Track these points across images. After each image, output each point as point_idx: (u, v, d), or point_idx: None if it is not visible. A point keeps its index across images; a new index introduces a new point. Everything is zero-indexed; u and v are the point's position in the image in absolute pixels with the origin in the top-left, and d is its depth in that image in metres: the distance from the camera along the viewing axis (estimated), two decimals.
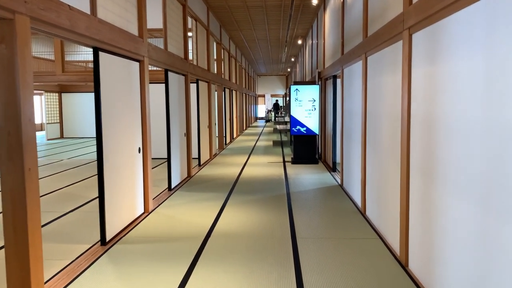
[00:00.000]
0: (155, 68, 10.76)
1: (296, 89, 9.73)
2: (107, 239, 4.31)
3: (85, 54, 14.88)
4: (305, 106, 9.73)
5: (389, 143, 4.23)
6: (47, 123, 16.86)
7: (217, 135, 13.02)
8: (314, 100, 9.71)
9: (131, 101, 5.03)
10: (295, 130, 9.78)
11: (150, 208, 5.57)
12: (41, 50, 15.30)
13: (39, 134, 19.16)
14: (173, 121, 7.07)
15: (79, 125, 17.76)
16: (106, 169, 4.26)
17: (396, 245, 3.96)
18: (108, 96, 4.36)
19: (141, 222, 5.06)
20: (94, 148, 13.62)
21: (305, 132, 9.75)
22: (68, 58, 14.89)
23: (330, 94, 9.00)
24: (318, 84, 10.17)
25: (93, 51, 4.15)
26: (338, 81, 8.59)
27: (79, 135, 17.86)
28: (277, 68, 29.51)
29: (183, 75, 7.75)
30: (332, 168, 8.66)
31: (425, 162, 3.20)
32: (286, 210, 5.59)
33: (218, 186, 7.20)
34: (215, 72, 12.33)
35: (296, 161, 9.77)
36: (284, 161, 10.17)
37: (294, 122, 9.76)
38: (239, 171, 8.79)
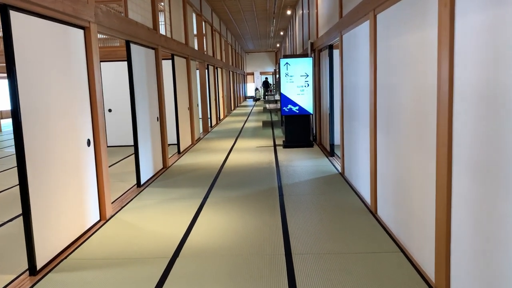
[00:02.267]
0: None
1: (286, 63, 8.56)
2: (39, 266, 3.21)
3: None
4: (297, 82, 8.57)
5: (414, 127, 3.13)
6: None
7: (200, 117, 11.86)
8: (307, 75, 8.55)
9: (73, 81, 3.86)
10: (286, 109, 8.65)
11: (108, 214, 4.46)
12: None
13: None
14: (141, 104, 5.90)
15: None
16: (31, 173, 3.12)
17: (428, 267, 2.91)
18: (31, 74, 3.19)
19: (92, 236, 3.96)
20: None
21: (297, 111, 8.63)
22: None
23: (326, 68, 7.85)
24: (311, 56, 9.00)
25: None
26: (335, 52, 7.43)
27: None
28: (266, 44, 28.14)
29: (152, 48, 6.54)
30: (330, 152, 7.58)
31: (482, 154, 2.12)
32: (278, 210, 4.52)
33: (198, 179, 6.09)
34: (196, 47, 11.08)
35: (288, 144, 8.67)
36: (274, 145, 9.07)
37: (285, 100, 8.62)
38: (223, 158, 7.68)
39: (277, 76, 22.15)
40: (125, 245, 3.70)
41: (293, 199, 4.92)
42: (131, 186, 5.83)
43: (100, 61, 9.31)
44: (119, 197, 5.25)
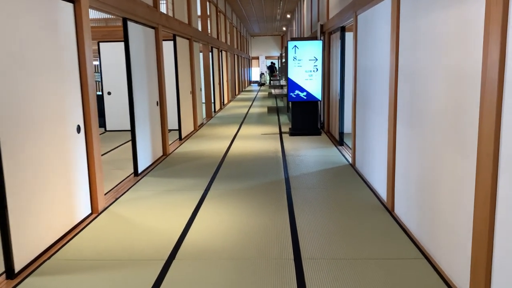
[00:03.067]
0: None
1: (295, 46, 8.10)
2: (17, 269, 2.86)
3: None
4: (305, 67, 8.12)
5: (446, 119, 2.72)
6: None
7: (203, 102, 11.45)
8: (316, 59, 8.10)
9: (60, 61, 3.46)
10: (293, 95, 8.22)
11: (101, 206, 4.10)
12: None
13: None
14: (139, 88, 5.50)
15: None
16: (7, 164, 2.75)
17: (460, 280, 2.53)
18: (6, 51, 2.79)
19: (82, 232, 3.60)
20: None
21: (305, 97, 8.20)
22: None
23: (337, 51, 7.39)
24: (320, 39, 8.52)
25: None
26: (348, 34, 6.97)
27: None
28: (272, 27, 27.50)
29: (152, 27, 6.10)
30: (339, 141, 7.18)
31: None
32: (286, 206, 4.14)
33: (199, 168, 5.72)
34: (199, 29, 10.60)
35: (294, 132, 8.27)
36: (280, 132, 8.67)
37: (293, 86, 8.19)
38: (227, 146, 7.30)
39: (283, 60, 21.62)
40: (116, 243, 3.34)
41: (301, 193, 4.54)
42: (128, 175, 5.46)
43: (100, 42, 8.90)
44: (114, 187, 4.89)
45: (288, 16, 21.11)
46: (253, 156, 6.44)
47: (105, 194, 4.57)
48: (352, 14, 5.73)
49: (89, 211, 3.97)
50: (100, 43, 8.90)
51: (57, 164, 3.37)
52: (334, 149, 6.81)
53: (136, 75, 5.38)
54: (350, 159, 6.02)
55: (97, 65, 9.35)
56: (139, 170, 5.46)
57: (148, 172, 5.61)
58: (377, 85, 4.52)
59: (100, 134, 8.85)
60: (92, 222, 3.81)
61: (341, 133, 7.18)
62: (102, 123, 9.54)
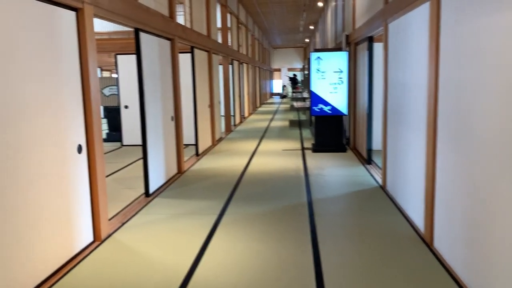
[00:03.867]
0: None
1: (318, 57, 7.67)
2: None
3: None
4: (330, 79, 7.68)
5: (507, 143, 2.23)
6: None
7: (223, 115, 11.11)
8: (341, 71, 7.65)
9: (60, 74, 3.12)
10: (316, 109, 7.77)
11: (104, 233, 3.72)
12: None
13: None
14: (152, 102, 5.16)
15: None
16: None
17: None
18: None
19: (80, 264, 3.22)
20: None
21: (329, 111, 7.74)
22: None
23: (364, 63, 6.93)
24: (346, 50, 8.08)
25: None
26: (376, 45, 6.52)
27: None
28: (294, 39, 27.17)
29: (167, 39, 5.79)
30: (366, 159, 6.67)
31: None
32: (308, 236, 3.68)
33: (215, 188, 5.31)
34: (219, 40, 10.31)
35: (318, 148, 7.80)
36: (302, 148, 8.21)
37: (316, 99, 7.74)
38: (245, 163, 6.89)
39: (306, 72, 21.22)
40: (117, 278, 2.95)
41: (326, 220, 4.07)
42: (139, 195, 5.10)
43: (117, 54, 8.68)
44: (121, 210, 4.52)
45: (311, 27, 20.75)
46: (273, 174, 6.00)
47: (111, 218, 4.21)
48: (382, 22, 5.28)
49: (91, 239, 3.60)
50: (118, 56, 8.68)
51: (53, 189, 3.01)
52: (361, 168, 6.31)
53: (149, 88, 5.05)
54: (380, 180, 5.51)
55: (115, 77, 9.13)
56: (151, 190, 5.09)
57: (161, 192, 5.23)
58: (413, 100, 4.04)
59: (116, 149, 8.58)
60: (93, 252, 3.43)
61: (369, 150, 6.67)
62: (118, 137, 9.30)
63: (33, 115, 2.79)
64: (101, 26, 13.61)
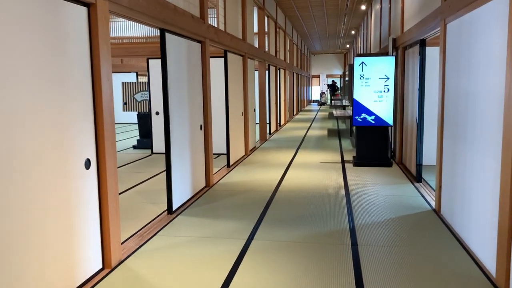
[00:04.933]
0: None
1: (362, 62, 7.02)
2: None
3: None
4: (374, 87, 7.01)
5: None
6: None
7: (257, 122, 10.63)
8: (387, 78, 6.97)
9: (62, 76, 2.70)
10: (359, 119, 7.11)
11: (115, 259, 3.27)
12: None
13: None
14: (178, 109, 4.72)
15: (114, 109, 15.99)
16: None
17: None
18: None
19: None
20: (124, 136, 11.71)
21: (373, 122, 7.06)
22: None
23: (414, 69, 6.23)
24: (392, 55, 7.39)
25: None
26: (429, 49, 5.83)
27: (117, 120, 16.12)
28: (334, 45, 26.40)
29: (197, 41, 5.35)
30: (416, 176, 5.95)
31: None
32: (351, 274, 3.08)
33: (245, 206, 4.79)
34: (256, 45, 9.83)
35: (360, 162, 7.13)
36: (342, 161, 7.56)
37: (358, 108, 7.09)
38: (279, 176, 6.33)
39: (346, 79, 20.44)
40: None
41: (372, 254, 3.45)
42: (161, 212, 4.65)
43: (149, 58, 8.36)
44: (139, 230, 4.07)
45: (353, 32, 19.97)
46: (310, 192, 5.41)
47: (125, 240, 3.76)
48: (438, 23, 4.61)
49: (100, 266, 3.15)
50: (150, 60, 8.36)
51: (54, 210, 2.58)
52: (410, 187, 5.61)
53: (174, 94, 4.61)
54: (433, 203, 4.81)
55: (146, 82, 8.84)
56: (174, 207, 4.63)
57: (185, 208, 4.76)
58: (479, 112, 3.37)
59: (146, 157, 8.24)
60: (100, 283, 2.98)
61: (419, 166, 5.95)
62: (149, 144, 8.99)
63: (30, 124, 2.37)
64: (137, 30, 13.50)
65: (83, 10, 2.92)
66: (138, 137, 9.64)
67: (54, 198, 2.61)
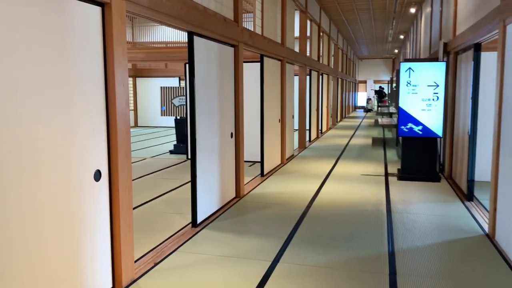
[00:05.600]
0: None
1: (409, 68, 6.51)
2: None
3: None
4: (422, 94, 6.47)
5: None
6: None
7: (296, 128, 10.26)
8: (437, 85, 6.41)
9: (70, 80, 2.50)
10: (405, 129, 6.59)
11: (127, 279, 3.03)
12: None
13: None
14: (205, 115, 4.47)
15: (153, 113, 16.19)
16: None
17: None
18: None
19: None
20: (163, 140, 11.72)
21: (420, 132, 6.52)
22: None
23: (467, 76, 5.66)
24: (443, 61, 6.82)
25: None
26: (485, 54, 5.26)
27: (152, 124, 16.31)
28: (382, 50, 25.51)
29: (230, 45, 5.09)
30: (467, 194, 5.37)
31: None
32: None
33: (275, 221, 4.45)
34: (296, 49, 9.48)
35: (405, 175, 6.60)
36: (386, 174, 7.04)
37: (405, 117, 6.57)
38: (316, 189, 5.94)
39: (394, 85, 19.63)
40: None
41: (413, 286, 3.01)
42: (186, 224, 4.40)
43: (186, 63, 8.22)
44: (159, 245, 3.84)
45: (401, 36, 19.14)
46: (347, 208, 4.99)
47: (142, 257, 3.54)
48: (497, 24, 4.09)
49: (109, 286, 2.93)
50: (187, 64, 8.21)
51: (58, 226, 2.37)
52: (459, 206, 5.05)
53: (202, 100, 4.37)
54: (486, 226, 4.27)
55: (183, 87, 8.72)
56: (199, 219, 4.37)
57: (211, 221, 4.49)
58: None
59: (181, 163, 8.09)
60: None
61: (470, 182, 5.37)
62: (185, 149, 8.86)
63: (32, 130, 2.17)
64: (178, 35, 13.52)
65: (96, 10, 2.72)
66: (175, 142, 9.55)
67: (57, 213, 2.40)
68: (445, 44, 7.05)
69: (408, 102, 6.53)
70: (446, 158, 6.86)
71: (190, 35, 4.09)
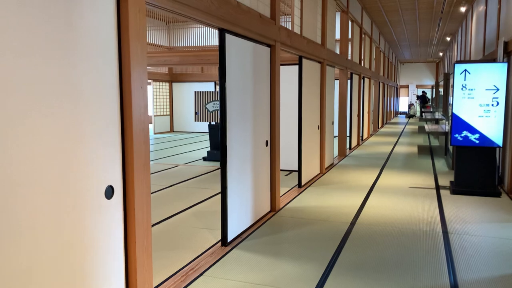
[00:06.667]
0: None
1: (465, 70, 5.85)
2: None
3: None
4: (480, 99, 5.79)
5: None
6: (154, 116, 15.41)
7: (336, 135, 9.69)
8: (497, 89, 5.72)
9: (79, 84, 2.13)
10: (459, 137, 5.92)
11: None
12: None
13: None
14: (238, 122, 4.05)
15: (188, 119, 16.03)
16: None
17: None
18: None
19: None
20: (197, 146, 11.46)
21: (477, 141, 5.83)
22: None
23: None
24: (504, 61, 6.11)
25: None
26: None
27: (188, 130, 16.13)
28: (425, 53, 24.38)
29: (266, 45, 4.66)
30: None
31: None
32: None
33: (314, 242, 3.96)
34: (337, 51, 8.94)
35: (459, 189, 5.92)
36: (437, 186, 6.37)
37: (459, 124, 5.91)
38: (359, 203, 5.38)
39: (440, 90, 18.61)
40: None
41: None
42: (215, 242, 3.98)
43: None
44: (185, 266, 3.43)
45: (448, 38, 18.11)
46: (397, 227, 4.42)
47: (166, 280, 3.13)
48: None
49: None
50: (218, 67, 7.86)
51: (59, 257, 2.00)
52: None
53: (234, 106, 3.95)
54: None
55: (218, 92, 8.37)
56: (229, 238, 3.94)
57: (243, 239, 4.05)
58: None
59: (214, 170, 7.72)
60: None
61: None
62: (218, 157, 8.50)
63: (23, 142, 1.81)
64: (215, 39, 13.25)
65: (111, 2, 2.35)
66: (209, 149, 9.22)
67: (58, 240, 2.03)
68: (506, 43, 6.32)
69: (463, 107, 5.86)
70: (506, 170, 6.12)
71: (221, 33, 3.69)
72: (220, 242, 3.93)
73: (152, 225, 4.48)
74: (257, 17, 4.26)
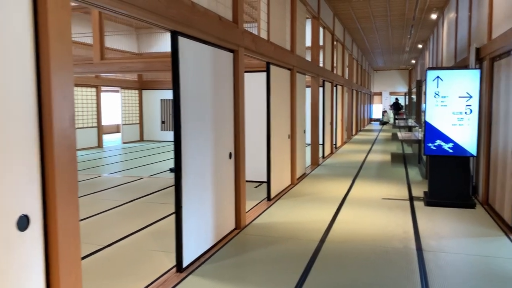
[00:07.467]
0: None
1: (437, 77, 5.66)
2: None
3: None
4: (453, 107, 5.61)
5: None
6: (123, 124, 14.86)
7: (309, 143, 9.42)
8: (470, 97, 5.54)
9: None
10: (432, 147, 5.71)
11: None
12: None
13: (116, 136, 17.18)
14: (195, 132, 3.68)
15: (157, 127, 15.54)
16: None
17: None
18: None
19: None
20: (166, 156, 10.99)
21: (450, 151, 5.64)
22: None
23: (509, 85, 4.80)
24: (476, 68, 5.96)
25: None
26: None
27: (157, 139, 15.62)
28: (398, 60, 24.59)
29: (228, 50, 4.32)
30: (510, 224, 4.47)
31: None
32: None
33: (280, 264, 3.61)
34: (308, 58, 8.69)
35: (433, 200, 5.70)
36: (410, 197, 6.14)
37: (432, 133, 5.70)
38: (330, 217, 5.08)
39: (412, 96, 18.69)
40: None
41: None
42: (171, 267, 3.59)
43: None
44: None
45: (420, 46, 18.24)
46: (368, 244, 4.12)
47: None
48: None
49: None
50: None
51: None
52: (503, 242, 4.15)
53: (190, 115, 3.59)
54: None
55: None
56: (186, 262, 3.55)
57: (203, 262, 3.67)
58: None
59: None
60: None
61: None
62: None
63: None
64: None
65: None
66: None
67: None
68: (478, 50, 6.18)
69: (436, 116, 5.66)
70: (480, 180, 5.94)
71: (174, 35, 3.33)
72: (176, 267, 3.54)
73: (102, 248, 4.05)
74: (216, 20, 3.93)
